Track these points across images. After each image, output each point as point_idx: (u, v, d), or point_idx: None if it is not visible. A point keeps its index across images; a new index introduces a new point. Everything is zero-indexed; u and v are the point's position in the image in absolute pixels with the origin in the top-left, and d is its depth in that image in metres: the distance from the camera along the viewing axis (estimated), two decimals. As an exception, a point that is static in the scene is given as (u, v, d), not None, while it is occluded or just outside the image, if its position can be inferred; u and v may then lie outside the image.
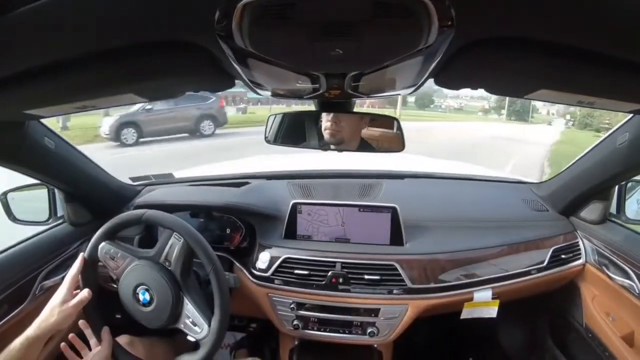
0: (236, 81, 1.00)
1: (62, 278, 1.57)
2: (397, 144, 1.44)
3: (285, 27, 0.63)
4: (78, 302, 1.21)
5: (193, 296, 1.28)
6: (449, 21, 0.60)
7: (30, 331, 1.12)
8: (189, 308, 1.26)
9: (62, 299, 1.19)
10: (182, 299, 1.26)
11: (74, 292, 1.24)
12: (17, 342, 1.10)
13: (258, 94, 1.18)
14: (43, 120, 1.28)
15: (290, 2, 0.57)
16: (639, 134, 1.25)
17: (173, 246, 1.28)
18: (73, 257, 1.63)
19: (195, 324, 1.26)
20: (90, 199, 1.74)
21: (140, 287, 1.26)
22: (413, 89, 1.09)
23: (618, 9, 0.50)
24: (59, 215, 1.74)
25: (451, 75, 0.90)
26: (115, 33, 0.63)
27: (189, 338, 1.29)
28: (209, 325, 1.24)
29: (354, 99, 1.35)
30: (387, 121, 1.45)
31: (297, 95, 1.24)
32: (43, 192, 1.70)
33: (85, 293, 1.24)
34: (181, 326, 1.27)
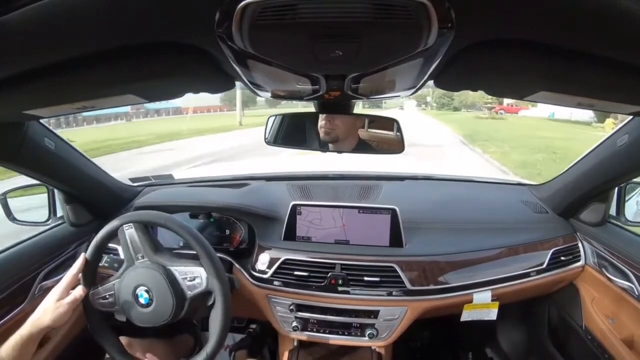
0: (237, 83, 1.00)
1: (62, 278, 1.58)
2: (396, 145, 1.44)
3: (286, 29, 0.63)
4: (72, 300, 1.19)
5: (173, 260, 1.27)
6: (448, 23, 0.60)
7: (24, 330, 1.11)
8: (179, 269, 1.25)
9: (57, 297, 1.17)
10: (170, 270, 1.25)
11: (70, 290, 1.22)
12: (12, 340, 1.09)
13: (258, 95, 1.18)
14: (43, 121, 1.29)
15: (291, 4, 0.57)
16: (639, 136, 1.25)
17: (132, 237, 1.28)
18: (72, 258, 1.64)
19: (193, 277, 1.25)
20: (90, 200, 1.74)
21: (139, 289, 1.25)
22: (413, 90, 1.10)
23: (617, 11, 0.50)
24: (58, 215, 1.75)
25: (451, 76, 0.91)
26: (115, 34, 0.63)
27: (209, 300, 1.27)
28: (202, 266, 1.24)
29: (354, 100, 1.35)
30: (387, 123, 1.45)
31: (297, 97, 1.24)
32: (43, 193, 1.70)
33: (79, 291, 1.22)
34: (188, 294, 1.25)
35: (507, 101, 32.95)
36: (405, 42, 0.67)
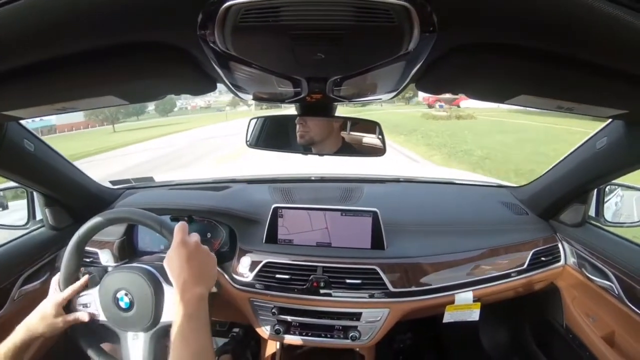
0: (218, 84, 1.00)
1: (42, 283, 1.55)
2: (378, 147, 1.45)
3: (268, 31, 0.63)
4: (73, 320, 1.19)
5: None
6: (430, 27, 0.60)
7: (17, 337, 1.09)
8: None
9: (56, 312, 1.16)
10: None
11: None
12: (4, 347, 1.07)
13: (239, 97, 1.17)
14: (22, 122, 1.26)
15: (273, 6, 0.56)
16: (617, 139, 1.26)
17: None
18: (52, 262, 1.62)
19: None
20: (70, 202, 1.71)
21: (119, 293, 1.21)
22: (394, 93, 1.10)
23: (597, 15, 0.50)
24: (38, 219, 1.72)
25: (432, 80, 0.91)
26: (95, 34, 0.62)
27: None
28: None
29: (336, 103, 1.35)
30: (368, 125, 1.45)
31: (279, 99, 1.24)
32: (22, 196, 1.68)
33: (86, 316, 1.20)
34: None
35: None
36: (387, 45, 0.67)
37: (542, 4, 0.52)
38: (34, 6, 0.53)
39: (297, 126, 1.43)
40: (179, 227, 1.10)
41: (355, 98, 1.19)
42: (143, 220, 1.23)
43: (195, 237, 1.12)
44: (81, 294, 1.24)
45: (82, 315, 1.20)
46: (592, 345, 1.53)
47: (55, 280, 1.24)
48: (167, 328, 1.20)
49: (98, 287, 1.22)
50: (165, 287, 1.21)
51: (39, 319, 1.14)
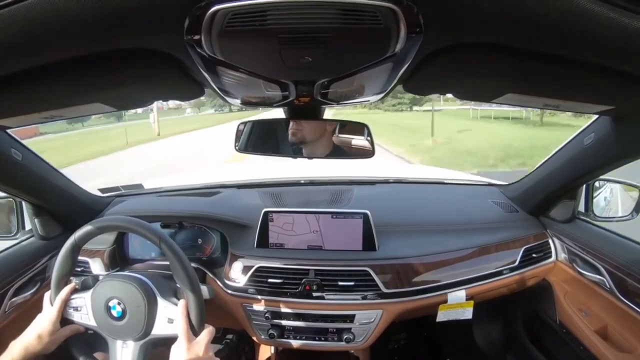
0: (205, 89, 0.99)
1: (33, 294, 1.53)
2: (367, 150, 1.44)
3: (255, 35, 0.63)
4: (70, 333, 1.19)
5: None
6: (417, 28, 0.60)
7: (16, 357, 1.08)
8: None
9: (53, 328, 1.16)
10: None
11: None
12: None
13: (227, 102, 1.17)
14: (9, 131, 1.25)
15: (260, 10, 0.56)
16: (605, 134, 1.27)
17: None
18: (43, 273, 1.60)
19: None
20: (59, 212, 1.69)
21: (111, 302, 1.19)
22: (382, 95, 1.10)
23: (581, 13, 0.51)
24: (27, 229, 1.70)
25: (420, 80, 0.91)
26: (81, 41, 0.61)
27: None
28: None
29: (324, 106, 1.35)
30: (357, 128, 1.45)
31: (267, 103, 1.24)
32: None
33: (81, 327, 1.22)
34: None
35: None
36: (374, 47, 0.67)
37: (528, 4, 0.52)
38: (17, 14, 0.52)
39: (290, 124, 1.42)
40: (184, 337, 1.14)
41: (343, 100, 1.19)
42: (136, 228, 1.22)
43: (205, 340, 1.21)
44: (73, 297, 1.23)
45: (78, 327, 1.20)
46: (585, 340, 1.54)
47: (47, 296, 1.24)
48: (157, 340, 1.20)
49: (91, 291, 1.21)
50: (159, 300, 1.20)
51: (37, 339, 1.13)
